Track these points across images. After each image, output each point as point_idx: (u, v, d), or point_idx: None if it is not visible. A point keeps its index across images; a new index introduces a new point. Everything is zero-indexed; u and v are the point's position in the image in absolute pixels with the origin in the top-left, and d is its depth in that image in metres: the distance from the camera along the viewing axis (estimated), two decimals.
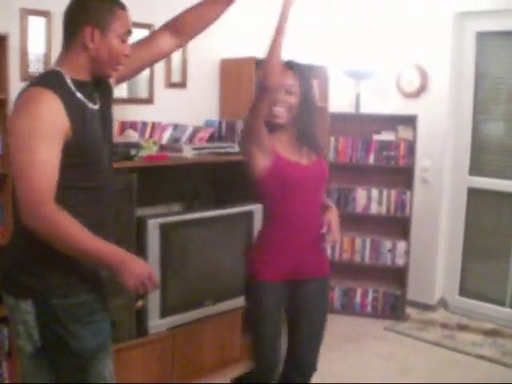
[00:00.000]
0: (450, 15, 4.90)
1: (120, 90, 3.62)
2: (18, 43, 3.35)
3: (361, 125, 5.17)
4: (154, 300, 3.54)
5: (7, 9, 3.30)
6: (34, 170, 1.82)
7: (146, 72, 3.78)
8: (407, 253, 5.08)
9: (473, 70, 4.97)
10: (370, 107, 5.13)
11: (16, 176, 1.87)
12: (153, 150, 3.56)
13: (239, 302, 3.74)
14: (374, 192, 5.04)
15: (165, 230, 3.56)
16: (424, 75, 5.04)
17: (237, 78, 4.35)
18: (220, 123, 4.23)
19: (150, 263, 3.25)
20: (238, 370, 3.91)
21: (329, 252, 4.73)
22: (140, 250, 3.39)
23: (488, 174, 5.03)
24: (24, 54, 3.39)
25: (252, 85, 4.29)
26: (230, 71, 4.39)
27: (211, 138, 4.11)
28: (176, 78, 4.16)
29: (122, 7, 2.08)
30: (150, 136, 3.78)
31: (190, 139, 3.94)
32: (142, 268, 1.92)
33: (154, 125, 3.83)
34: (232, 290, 3.86)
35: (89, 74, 2.07)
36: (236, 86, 4.35)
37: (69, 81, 1.99)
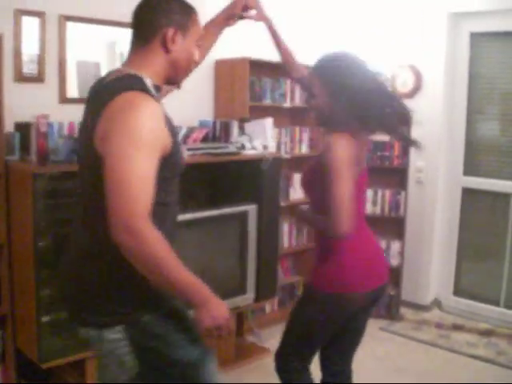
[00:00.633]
0: (444, 16, 4.91)
1: None
2: (12, 44, 3.35)
3: None
4: None
5: (1, 9, 3.30)
6: (136, 181, 1.66)
7: None
8: (401, 253, 5.09)
9: (467, 70, 4.99)
10: None
11: (113, 186, 1.67)
12: None
13: (233, 302, 3.75)
14: (369, 192, 5.04)
15: None
16: (418, 76, 5.05)
17: (231, 79, 4.36)
18: (214, 124, 4.23)
19: None
20: (233, 371, 3.93)
21: None
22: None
23: (482, 174, 5.04)
24: (18, 54, 3.38)
25: (246, 85, 4.29)
26: (224, 72, 4.40)
27: (206, 139, 4.11)
28: None
29: (196, 13, 2.00)
30: None
31: (185, 140, 3.94)
32: (221, 312, 1.81)
33: None
34: (226, 291, 3.85)
35: (163, 80, 1.96)
36: (230, 86, 4.36)
37: (151, 87, 1.87)
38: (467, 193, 5.14)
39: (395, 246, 5.07)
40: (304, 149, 4.92)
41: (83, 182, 1.94)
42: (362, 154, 2.54)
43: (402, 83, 5.08)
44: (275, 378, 2.78)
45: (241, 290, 3.93)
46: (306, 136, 4.94)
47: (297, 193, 4.83)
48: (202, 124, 4.26)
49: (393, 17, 5.10)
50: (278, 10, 4.66)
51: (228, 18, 2.60)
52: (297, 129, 4.88)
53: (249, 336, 4.52)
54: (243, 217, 3.92)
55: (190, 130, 4.01)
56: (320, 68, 2.51)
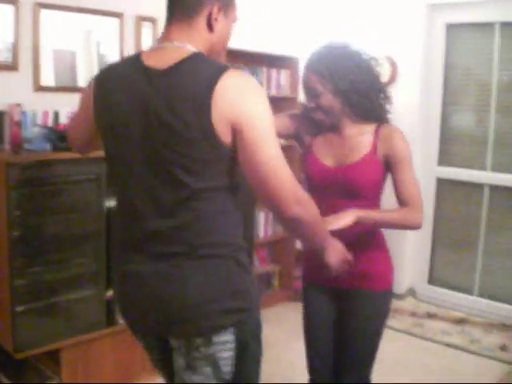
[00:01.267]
0: (421, 6, 4.93)
1: None
2: None
3: None
4: None
5: None
6: (283, 160, 1.66)
7: None
8: None
9: (443, 61, 5.02)
10: None
11: (269, 167, 1.62)
12: None
13: None
14: None
15: None
16: (394, 66, 5.07)
17: None
18: None
19: None
20: None
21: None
22: (110, 242, 3.37)
23: (457, 164, 5.08)
24: None
25: None
26: None
27: None
28: None
29: None
30: None
31: None
32: (340, 253, 2.08)
33: None
34: None
35: None
36: None
37: None
38: (441, 183, 5.18)
39: None
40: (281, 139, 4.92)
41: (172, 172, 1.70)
42: None
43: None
44: None
45: None
46: None
47: None
48: None
49: (370, 7, 5.10)
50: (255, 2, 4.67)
51: None
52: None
53: None
54: None
55: None
56: (319, 64, 2.36)
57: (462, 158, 5.07)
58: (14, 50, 3.43)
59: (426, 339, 4.50)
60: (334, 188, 2.40)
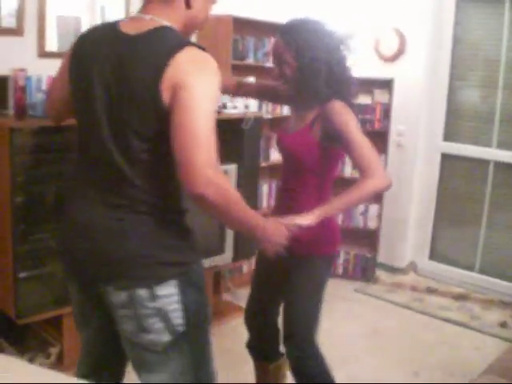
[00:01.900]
0: None
1: None
2: None
3: None
4: None
5: None
6: (210, 134, 1.66)
7: None
8: (379, 216, 5.13)
9: (451, 35, 4.96)
10: None
11: (189, 139, 1.64)
12: None
13: (212, 261, 3.77)
14: None
15: None
16: (402, 39, 5.02)
17: (214, 38, 4.25)
18: None
19: None
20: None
21: None
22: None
23: (462, 140, 5.06)
24: None
25: (229, 43, 4.23)
26: (206, 30, 4.26)
27: None
28: None
29: None
30: None
31: None
32: (277, 235, 2.02)
33: None
34: (205, 250, 3.86)
35: None
36: (213, 46, 4.22)
37: None
38: (446, 158, 5.16)
39: (373, 208, 5.11)
40: (285, 109, 4.89)
41: (116, 135, 1.81)
42: None
43: (387, 46, 5.05)
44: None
45: (219, 249, 3.93)
46: None
47: (278, 153, 4.81)
48: None
49: None
50: None
51: None
52: None
53: (225, 295, 4.55)
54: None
55: None
56: (289, 35, 2.43)
57: (467, 133, 5.05)
58: (19, 15, 3.38)
59: (426, 314, 4.52)
60: (285, 159, 2.64)
